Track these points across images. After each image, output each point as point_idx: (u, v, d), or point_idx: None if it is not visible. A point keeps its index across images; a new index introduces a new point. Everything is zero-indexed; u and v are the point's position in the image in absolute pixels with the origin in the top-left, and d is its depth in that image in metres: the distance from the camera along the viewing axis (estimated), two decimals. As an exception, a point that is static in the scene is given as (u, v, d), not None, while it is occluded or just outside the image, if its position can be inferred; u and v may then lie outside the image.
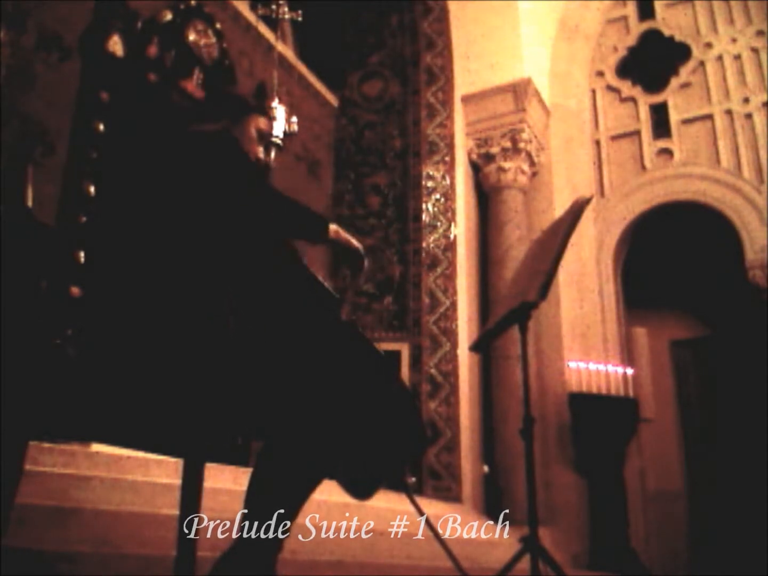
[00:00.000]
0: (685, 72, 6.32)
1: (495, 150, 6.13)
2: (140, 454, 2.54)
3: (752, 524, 5.40)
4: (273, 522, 1.43)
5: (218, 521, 2.03)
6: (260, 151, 1.84)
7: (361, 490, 1.51)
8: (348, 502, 3.27)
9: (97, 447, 2.47)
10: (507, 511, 5.19)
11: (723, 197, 5.80)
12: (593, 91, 6.69)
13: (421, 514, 2.12)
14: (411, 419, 1.55)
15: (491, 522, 5.12)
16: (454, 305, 5.56)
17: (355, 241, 1.75)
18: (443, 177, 5.92)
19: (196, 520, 1.41)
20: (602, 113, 6.59)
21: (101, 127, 3.67)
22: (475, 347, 3.23)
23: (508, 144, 6.12)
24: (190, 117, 1.80)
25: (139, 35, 4.15)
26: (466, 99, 6.30)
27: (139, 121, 1.79)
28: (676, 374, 7.18)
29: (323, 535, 2.80)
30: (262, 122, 1.85)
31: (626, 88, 6.56)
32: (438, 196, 5.87)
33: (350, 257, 1.76)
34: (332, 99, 6.41)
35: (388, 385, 1.53)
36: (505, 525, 5.04)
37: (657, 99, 6.39)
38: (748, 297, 5.62)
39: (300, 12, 5.12)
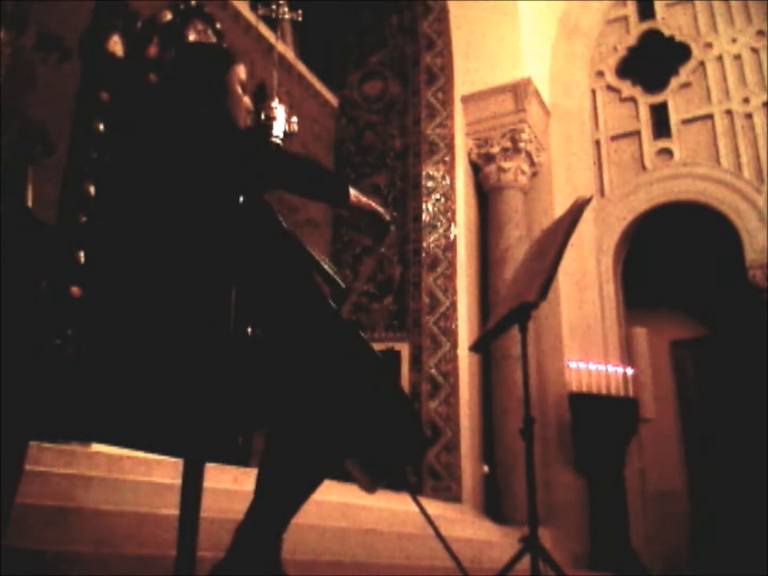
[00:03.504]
0: (685, 72, 6.32)
1: (495, 150, 6.13)
2: (140, 454, 2.54)
3: (752, 524, 5.40)
4: (273, 521, 1.43)
5: (218, 521, 2.02)
6: (248, 101, 1.75)
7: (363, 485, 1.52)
8: (348, 502, 3.28)
9: (97, 447, 2.47)
10: (507, 511, 5.19)
11: (723, 197, 5.79)
12: (593, 91, 6.69)
13: (424, 512, 2.12)
14: (410, 421, 1.55)
15: (491, 522, 5.12)
16: (454, 305, 5.56)
17: (378, 206, 1.62)
18: (443, 177, 5.92)
19: (196, 520, 1.41)
20: (602, 113, 6.58)
21: (101, 127, 3.67)
22: (475, 347, 3.23)
23: (508, 144, 6.12)
24: (174, 86, 1.70)
25: (139, 35, 4.15)
26: (466, 99, 6.30)
27: (139, 121, 1.77)
28: (676, 374, 7.18)
29: (323, 535, 2.80)
30: (241, 71, 1.73)
31: (626, 88, 6.55)
32: (438, 196, 5.87)
33: (374, 224, 1.61)
34: (332, 99, 6.41)
35: (387, 387, 1.53)
36: (505, 525, 5.04)
37: (657, 99, 6.39)
38: (748, 297, 5.62)
39: (300, 12, 5.12)
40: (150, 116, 1.71)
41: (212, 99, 1.66)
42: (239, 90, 1.72)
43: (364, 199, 1.59)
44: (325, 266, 1.60)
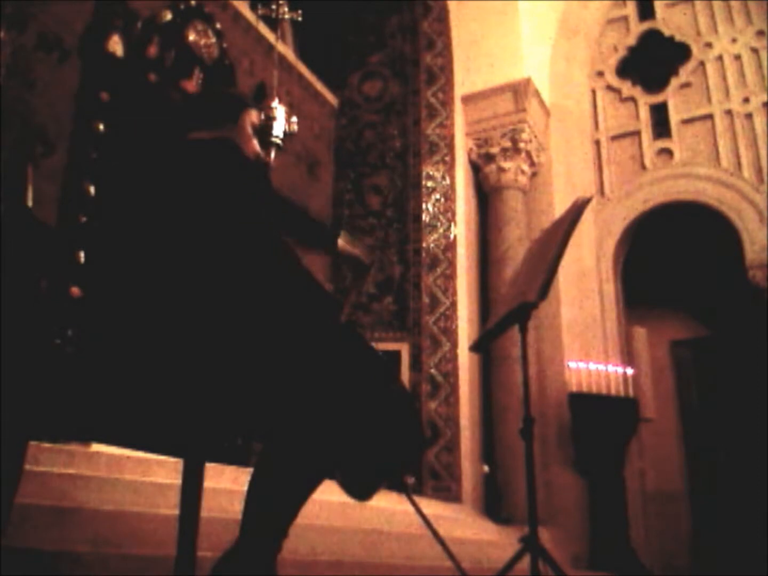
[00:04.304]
0: (685, 72, 6.32)
1: (495, 150, 6.13)
2: (140, 454, 2.54)
3: (752, 524, 5.40)
4: (273, 522, 1.43)
5: (218, 521, 2.02)
6: (257, 145, 1.84)
7: (360, 491, 1.51)
8: (348, 502, 3.27)
9: (97, 447, 2.47)
10: (507, 511, 5.19)
11: (723, 197, 5.79)
12: (593, 91, 6.69)
13: (421, 514, 2.12)
14: (410, 421, 1.55)
15: (491, 522, 5.12)
16: (454, 305, 5.56)
17: (361, 251, 1.76)
18: (443, 177, 5.91)
19: (196, 520, 1.41)
20: (602, 113, 6.59)
21: (101, 127, 3.67)
22: (475, 347, 3.23)
23: (508, 144, 6.12)
24: (187, 118, 1.79)
25: (139, 35, 4.15)
26: (466, 99, 6.30)
27: (139, 122, 1.79)
28: (676, 374, 7.18)
29: (323, 535, 2.80)
30: (255, 116, 1.85)
31: (626, 88, 6.55)
32: (438, 196, 5.87)
33: (356, 267, 1.76)
34: (332, 99, 6.41)
35: (387, 387, 1.52)
36: (505, 525, 5.04)
37: (657, 99, 6.39)
38: (748, 297, 5.62)
39: (300, 12, 5.12)
40: (153, 120, 1.74)
41: (222, 125, 1.74)
42: (250, 131, 1.81)
43: (348, 245, 1.73)
44: (319, 282, 1.62)
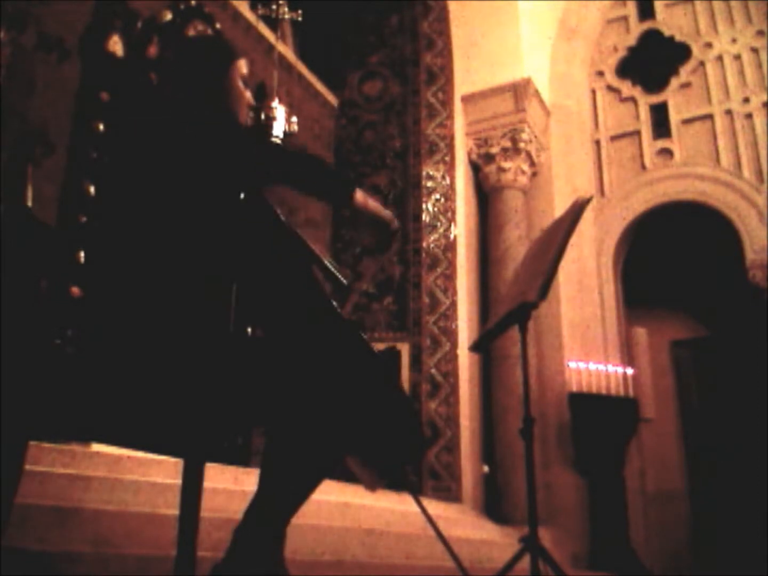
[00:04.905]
0: (685, 72, 6.32)
1: (495, 150, 6.13)
2: (140, 454, 2.54)
3: (752, 524, 5.40)
4: (272, 521, 1.43)
5: (218, 521, 2.02)
6: (251, 96, 1.73)
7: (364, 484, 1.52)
8: (348, 502, 3.28)
9: (97, 447, 2.47)
10: (507, 511, 5.19)
11: (723, 197, 5.79)
12: (593, 91, 6.69)
13: (425, 512, 2.12)
14: (409, 421, 1.55)
15: (491, 522, 5.12)
16: (454, 305, 5.55)
17: (385, 210, 1.54)
18: (443, 177, 5.91)
19: (196, 520, 1.41)
20: (602, 113, 6.59)
21: (101, 127, 3.68)
22: (475, 347, 3.23)
23: (508, 144, 6.12)
24: (178, 90, 1.68)
25: (139, 35, 4.15)
26: (466, 99, 6.30)
27: (139, 121, 1.77)
28: (676, 374, 7.17)
29: (323, 535, 2.80)
30: (242, 66, 1.71)
31: (626, 88, 6.55)
32: (438, 196, 5.87)
33: (379, 229, 1.53)
34: (332, 99, 6.41)
35: (386, 387, 1.52)
36: (505, 525, 5.04)
37: (657, 99, 6.39)
38: (748, 297, 5.62)
39: (300, 12, 5.12)
40: (151, 116, 1.71)
41: (214, 97, 1.65)
42: (241, 86, 1.70)
43: (372, 202, 1.52)
44: (327, 263, 1.60)
